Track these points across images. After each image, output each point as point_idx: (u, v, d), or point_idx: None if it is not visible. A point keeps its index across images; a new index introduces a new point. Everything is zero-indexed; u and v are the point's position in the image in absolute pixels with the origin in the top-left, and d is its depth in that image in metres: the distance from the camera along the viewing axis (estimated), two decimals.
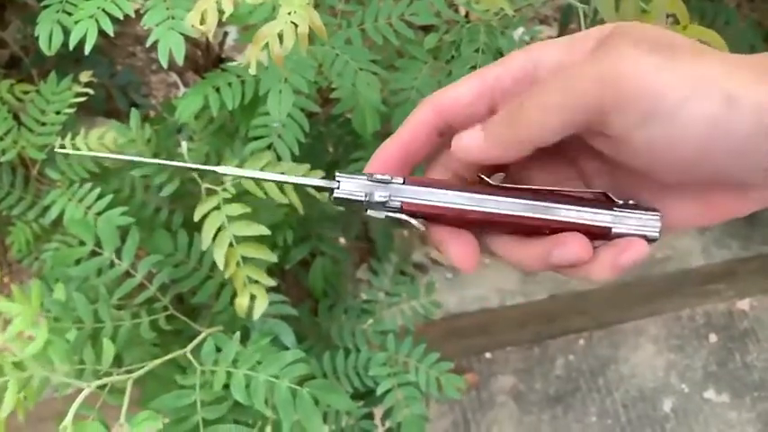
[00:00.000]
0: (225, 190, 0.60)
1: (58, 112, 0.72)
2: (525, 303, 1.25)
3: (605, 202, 0.32)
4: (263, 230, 0.58)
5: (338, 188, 0.31)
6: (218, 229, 0.59)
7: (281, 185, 0.60)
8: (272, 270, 0.89)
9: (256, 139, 0.64)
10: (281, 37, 0.40)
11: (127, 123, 0.69)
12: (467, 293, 1.24)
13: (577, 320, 1.42)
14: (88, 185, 0.72)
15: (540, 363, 1.43)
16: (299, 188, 0.62)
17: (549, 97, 0.28)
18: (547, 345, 1.45)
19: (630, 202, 0.32)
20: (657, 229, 0.31)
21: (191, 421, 0.54)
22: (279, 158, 0.60)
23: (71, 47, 0.63)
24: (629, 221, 0.31)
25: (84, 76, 0.75)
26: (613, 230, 0.31)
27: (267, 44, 0.41)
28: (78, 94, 0.73)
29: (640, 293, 1.40)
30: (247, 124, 0.65)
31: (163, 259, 0.67)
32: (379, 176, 0.31)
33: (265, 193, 0.58)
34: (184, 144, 0.59)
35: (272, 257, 0.59)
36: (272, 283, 0.60)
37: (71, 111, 0.72)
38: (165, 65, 0.63)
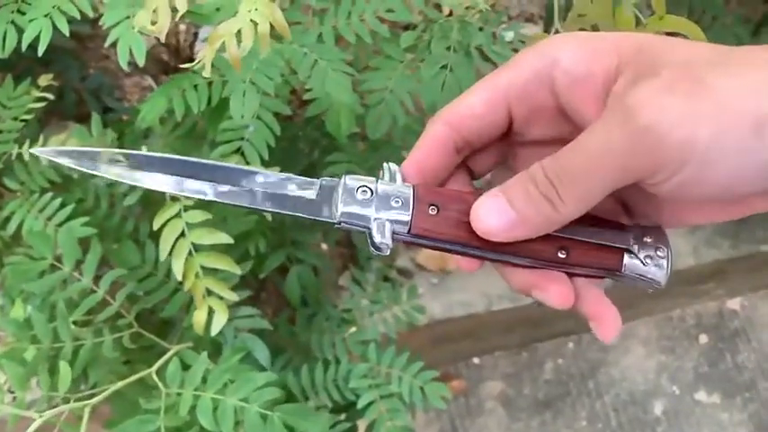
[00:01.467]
0: (188, 197, 0.56)
1: (15, 118, 0.68)
2: (512, 308, 1.22)
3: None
4: (225, 239, 0.55)
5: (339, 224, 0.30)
6: (178, 238, 0.55)
7: None
8: (247, 280, 0.86)
9: (224, 143, 0.60)
10: (238, 36, 0.37)
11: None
12: (453, 299, 1.21)
13: (566, 323, 1.40)
14: (49, 195, 0.68)
15: (528, 367, 1.41)
16: None
17: (585, 180, 0.27)
18: (535, 348, 1.42)
19: (642, 225, 0.31)
20: (662, 281, 0.31)
21: None
22: (247, 163, 0.57)
23: (23, 47, 0.60)
24: (638, 269, 0.31)
25: (44, 80, 0.71)
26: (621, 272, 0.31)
27: (224, 43, 0.38)
28: (38, 99, 0.69)
29: (630, 295, 1.38)
30: (215, 128, 0.61)
31: (127, 273, 0.64)
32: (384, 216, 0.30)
33: None
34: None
35: (235, 269, 0.56)
36: (233, 297, 0.56)
37: (29, 117, 0.68)
38: (124, 66, 0.60)
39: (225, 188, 0.30)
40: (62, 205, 0.67)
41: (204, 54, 0.38)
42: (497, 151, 0.34)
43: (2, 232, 0.75)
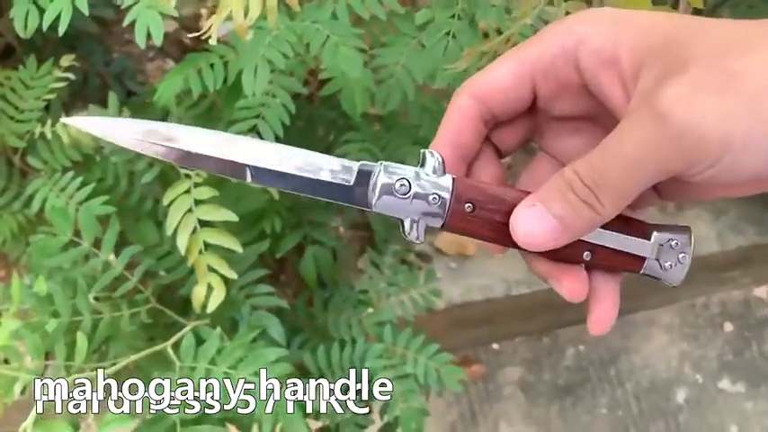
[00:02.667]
0: (198, 174, 0.57)
1: (38, 98, 0.69)
2: (531, 293, 1.21)
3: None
4: (230, 216, 0.55)
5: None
6: (185, 214, 0.56)
7: None
8: (266, 261, 0.86)
9: (240, 122, 0.61)
10: (246, 7, 0.37)
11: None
12: (471, 283, 1.20)
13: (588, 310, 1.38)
14: (70, 174, 0.69)
15: (549, 353, 1.40)
16: None
17: (623, 184, 0.27)
18: (557, 335, 1.41)
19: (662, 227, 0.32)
20: (678, 283, 0.33)
21: (167, 421, 0.51)
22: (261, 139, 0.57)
23: (44, 27, 0.61)
24: (656, 272, 0.32)
25: (66, 60, 0.72)
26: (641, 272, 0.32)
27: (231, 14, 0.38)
28: (60, 79, 0.70)
29: (653, 282, 1.36)
30: (231, 107, 0.62)
31: (144, 250, 0.65)
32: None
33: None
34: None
35: (237, 246, 0.56)
36: (232, 275, 0.57)
37: (51, 96, 0.70)
38: (142, 45, 0.60)
39: (261, 168, 0.30)
40: (83, 184, 0.68)
41: (208, 23, 0.38)
42: (522, 127, 0.34)
43: (26, 210, 0.76)
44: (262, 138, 0.59)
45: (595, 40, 0.29)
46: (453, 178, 0.30)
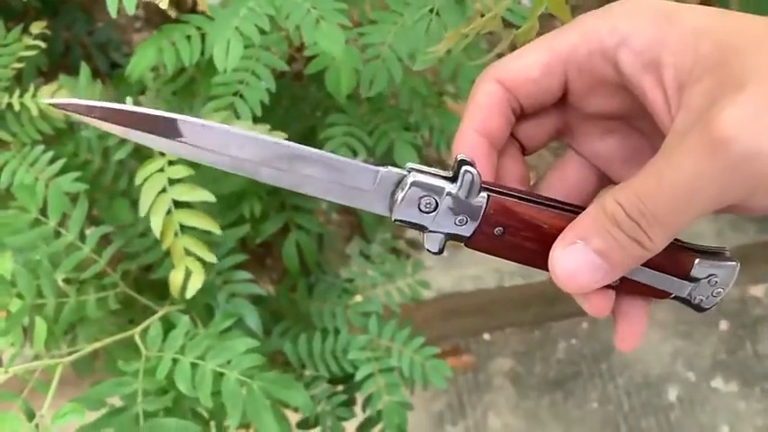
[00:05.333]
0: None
1: (5, 66, 0.65)
2: (524, 285, 1.18)
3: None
4: (207, 196, 0.52)
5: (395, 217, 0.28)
6: (159, 194, 0.52)
7: None
8: (250, 245, 0.83)
9: (216, 99, 0.57)
10: None
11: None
12: (463, 273, 1.18)
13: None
14: (40, 148, 0.65)
15: (540, 346, 1.38)
16: None
17: (675, 221, 0.25)
18: (549, 327, 1.39)
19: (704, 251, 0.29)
20: (703, 311, 0.30)
21: (130, 412, 0.48)
22: (237, 118, 0.53)
23: None
24: (684, 299, 0.30)
25: (36, 27, 0.68)
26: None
27: None
28: (29, 47, 0.66)
29: None
30: (208, 82, 0.58)
31: (117, 230, 0.61)
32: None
33: None
34: (129, 100, 0.52)
35: (215, 228, 0.53)
36: (212, 258, 0.53)
37: (20, 65, 0.66)
38: (113, 14, 0.57)
39: (274, 169, 0.27)
40: (54, 159, 0.65)
41: None
42: (550, 123, 0.31)
43: None
44: (237, 116, 0.55)
45: (638, 41, 0.26)
46: (487, 198, 0.27)
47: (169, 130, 0.27)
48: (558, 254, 0.27)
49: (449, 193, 0.27)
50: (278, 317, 0.81)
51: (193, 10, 1.00)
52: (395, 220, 0.27)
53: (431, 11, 0.47)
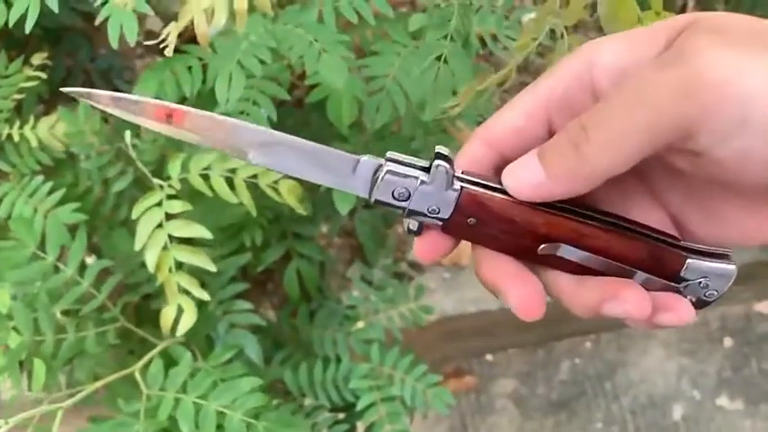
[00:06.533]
0: (171, 186, 0.52)
1: (5, 98, 0.65)
2: None
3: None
4: (203, 232, 0.51)
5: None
6: (155, 228, 0.52)
7: (230, 182, 0.53)
8: (251, 271, 0.82)
9: None
10: (209, 12, 0.33)
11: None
12: (465, 295, 1.17)
13: (584, 322, 1.35)
14: (39, 179, 0.65)
15: (543, 366, 1.37)
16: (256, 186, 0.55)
17: (619, 120, 0.24)
18: (552, 347, 1.38)
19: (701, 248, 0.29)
20: (714, 297, 0.29)
21: None
22: None
23: (10, 24, 0.57)
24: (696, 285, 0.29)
25: (37, 58, 0.68)
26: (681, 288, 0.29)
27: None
28: (30, 78, 0.66)
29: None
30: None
31: (116, 263, 0.61)
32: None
33: (213, 191, 0.51)
34: (128, 134, 0.51)
35: (210, 265, 0.52)
36: (204, 296, 0.53)
37: (20, 96, 0.65)
38: (114, 45, 0.57)
39: (263, 151, 0.29)
40: (52, 190, 0.64)
41: (170, 31, 0.34)
42: None
43: None
44: None
45: (609, 57, 0.26)
46: (460, 191, 0.28)
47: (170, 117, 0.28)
48: (512, 163, 0.27)
49: (422, 182, 0.28)
50: (279, 344, 0.81)
51: (194, 39, 1.00)
52: (373, 202, 0.29)
53: (438, 58, 0.46)
